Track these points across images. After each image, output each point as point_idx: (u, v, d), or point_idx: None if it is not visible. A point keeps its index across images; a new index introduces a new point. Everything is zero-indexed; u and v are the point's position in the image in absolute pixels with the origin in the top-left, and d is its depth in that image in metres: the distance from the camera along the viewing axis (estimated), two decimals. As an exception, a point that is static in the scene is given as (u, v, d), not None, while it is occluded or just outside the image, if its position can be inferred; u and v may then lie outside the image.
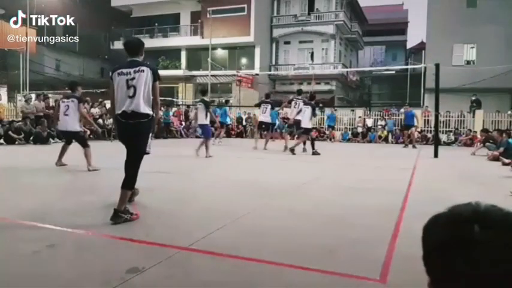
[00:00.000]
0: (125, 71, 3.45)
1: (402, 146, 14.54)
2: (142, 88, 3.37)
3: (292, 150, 9.65)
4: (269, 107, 10.92)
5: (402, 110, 19.66)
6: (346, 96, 31.03)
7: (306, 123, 9.72)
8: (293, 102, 10.16)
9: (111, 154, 10.09)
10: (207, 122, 8.80)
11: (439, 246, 0.62)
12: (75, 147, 6.83)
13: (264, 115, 10.93)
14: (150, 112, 3.44)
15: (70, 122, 6.66)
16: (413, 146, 13.71)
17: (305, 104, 9.81)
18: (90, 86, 24.53)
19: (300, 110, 9.73)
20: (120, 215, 3.24)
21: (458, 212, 0.64)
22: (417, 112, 18.78)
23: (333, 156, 9.61)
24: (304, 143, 10.36)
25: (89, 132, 14.06)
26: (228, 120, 15.49)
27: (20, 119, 13.00)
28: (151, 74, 3.43)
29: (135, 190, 3.86)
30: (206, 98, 9.05)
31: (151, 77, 3.43)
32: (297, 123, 10.05)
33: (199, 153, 8.42)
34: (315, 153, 9.64)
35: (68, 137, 7.01)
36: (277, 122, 14.83)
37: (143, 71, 3.40)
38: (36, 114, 12.81)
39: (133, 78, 3.39)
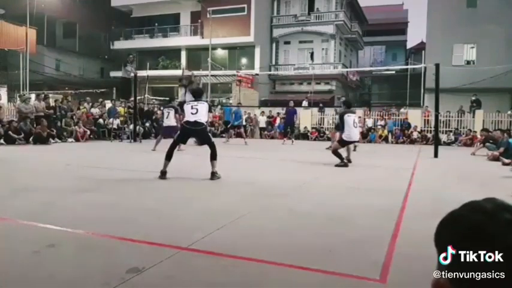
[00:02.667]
0: (192, 103, 5.93)
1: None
2: (203, 111, 5.85)
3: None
4: (172, 111, 10.26)
5: (403, 110, 19.66)
6: (346, 96, 31.02)
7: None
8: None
9: (111, 154, 10.12)
10: None
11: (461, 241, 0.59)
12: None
13: (167, 120, 10.35)
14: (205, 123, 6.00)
15: None
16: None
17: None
18: (90, 86, 24.55)
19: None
20: (214, 175, 5.60)
21: (481, 206, 0.62)
22: (417, 112, 18.88)
23: (333, 156, 9.58)
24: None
25: (89, 132, 14.11)
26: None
27: (16, 119, 12.99)
28: (207, 106, 6.06)
29: (217, 173, 5.66)
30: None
31: (207, 108, 6.05)
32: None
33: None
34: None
35: None
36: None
37: (203, 103, 5.99)
38: (36, 114, 12.80)
39: (196, 105, 5.86)
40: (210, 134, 6.24)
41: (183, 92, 10.43)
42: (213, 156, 5.76)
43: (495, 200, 0.63)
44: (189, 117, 5.86)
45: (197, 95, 6.24)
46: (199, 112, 5.83)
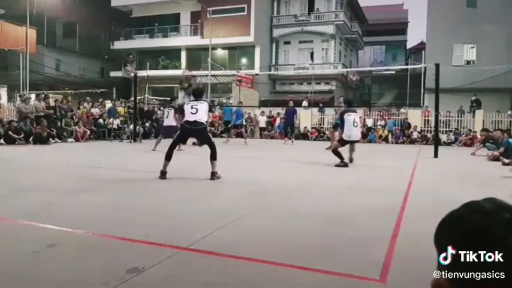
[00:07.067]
0: (192, 103, 5.96)
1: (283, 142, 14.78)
2: (202, 110, 5.84)
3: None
4: (172, 111, 10.21)
5: (403, 110, 19.70)
6: (346, 96, 31.00)
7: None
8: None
9: (111, 154, 10.12)
10: None
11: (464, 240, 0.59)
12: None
13: (167, 119, 10.42)
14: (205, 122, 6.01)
15: None
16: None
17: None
18: (90, 86, 24.56)
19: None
20: (215, 175, 5.60)
21: (481, 205, 0.61)
22: (417, 112, 18.89)
23: (333, 156, 9.58)
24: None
25: (89, 132, 14.11)
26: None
27: (15, 119, 12.98)
28: (207, 105, 6.06)
29: (217, 173, 5.67)
30: None
31: (207, 107, 6.04)
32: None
33: None
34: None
35: None
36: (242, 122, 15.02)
37: (203, 102, 6.00)
38: (36, 114, 12.79)
39: (196, 105, 5.85)
40: (210, 134, 6.29)
41: (183, 94, 10.60)
42: (213, 156, 5.75)
43: (495, 200, 0.63)
44: (188, 116, 5.84)
45: (197, 94, 6.29)
46: (199, 112, 5.82)
